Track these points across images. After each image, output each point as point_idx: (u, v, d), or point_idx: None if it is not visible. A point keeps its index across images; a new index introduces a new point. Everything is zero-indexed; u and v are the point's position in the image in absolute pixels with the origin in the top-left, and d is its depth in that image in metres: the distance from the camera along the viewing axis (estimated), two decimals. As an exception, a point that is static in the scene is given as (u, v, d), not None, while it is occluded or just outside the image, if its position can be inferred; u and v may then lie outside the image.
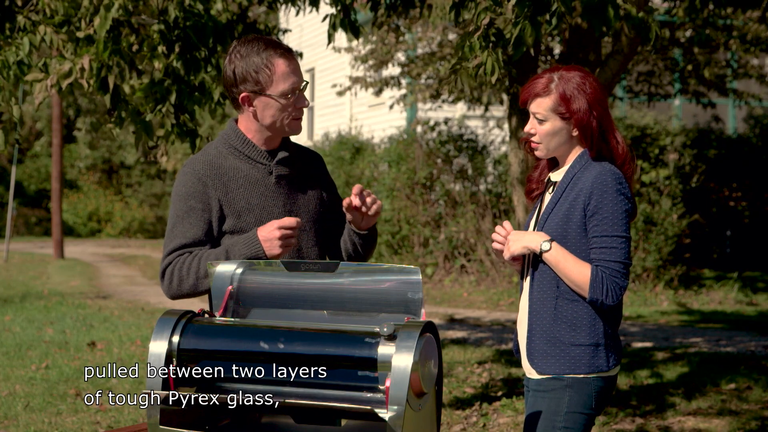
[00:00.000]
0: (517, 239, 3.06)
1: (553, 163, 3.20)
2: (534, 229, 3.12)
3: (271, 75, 3.04)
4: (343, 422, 2.57)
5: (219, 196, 3.04)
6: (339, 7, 5.08)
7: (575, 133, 3.08)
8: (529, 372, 3.11)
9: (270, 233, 2.94)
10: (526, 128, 3.15)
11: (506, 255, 3.09)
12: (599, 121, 3.06)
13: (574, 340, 3.01)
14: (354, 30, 5.12)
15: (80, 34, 4.72)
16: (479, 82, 3.97)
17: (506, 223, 3.13)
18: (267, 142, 3.13)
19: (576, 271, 2.98)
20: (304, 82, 3.11)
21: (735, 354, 7.98)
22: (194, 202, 3.03)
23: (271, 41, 3.09)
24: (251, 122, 3.11)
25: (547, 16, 3.94)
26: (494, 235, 3.13)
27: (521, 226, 3.28)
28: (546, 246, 3.00)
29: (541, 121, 3.09)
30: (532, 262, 3.08)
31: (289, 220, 2.95)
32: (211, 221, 3.04)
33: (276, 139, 3.15)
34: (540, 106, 3.08)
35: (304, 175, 3.20)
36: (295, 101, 3.08)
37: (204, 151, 3.14)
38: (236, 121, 3.17)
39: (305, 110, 3.20)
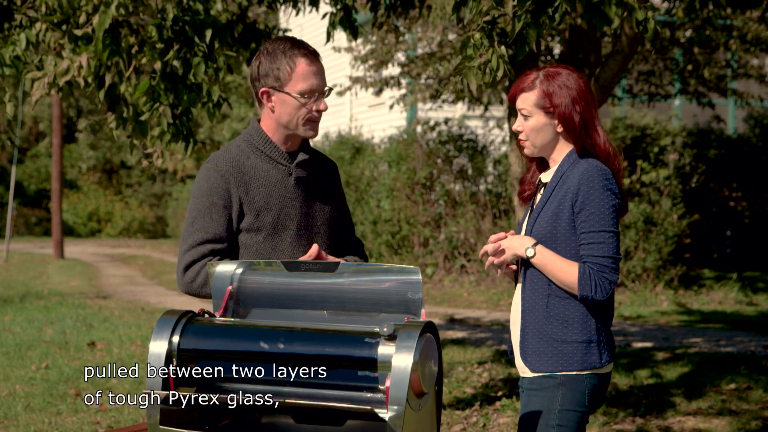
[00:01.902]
0: (506, 247, 3.08)
1: (544, 165, 3.22)
2: (525, 231, 3.14)
3: (291, 73, 3.09)
4: (345, 422, 2.57)
5: (240, 194, 3.09)
6: (339, 7, 5.07)
7: (560, 128, 3.10)
8: (523, 371, 3.13)
9: None
10: (514, 126, 3.19)
11: (495, 260, 3.11)
12: (582, 116, 3.08)
13: (566, 337, 3.02)
14: (353, 30, 5.11)
15: (78, 32, 4.71)
16: (486, 80, 3.97)
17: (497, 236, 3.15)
18: (286, 142, 3.18)
19: (563, 271, 2.99)
20: (327, 87, 3.15)
21: (735, 354, 7.98)
22: (216, 198, 3.08)
23: (298, 42, 3.14)
24: (270, 120, 3.16)
25: (550, 12, 3.93)
26: (489, 248, 3.13)
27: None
28: (530, 252, 3.03)
29: (526, 117, 3.13)
30: (523, 261, 3.10)
31: None
32: (231, 218, 3.09)
33: (295, 141, 3.19)
34: (525, 101, 3.12)
35: (321, 179, 3.25)
36: (314, 103, 3.12)
37: (227, 149, 3.20)
38: (259, 120, 3.22)
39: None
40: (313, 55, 3.12)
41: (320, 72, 3.13)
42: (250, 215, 3.09)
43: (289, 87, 3.10)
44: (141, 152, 5.16)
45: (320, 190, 3.23)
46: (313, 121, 3.15)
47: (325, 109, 3.17)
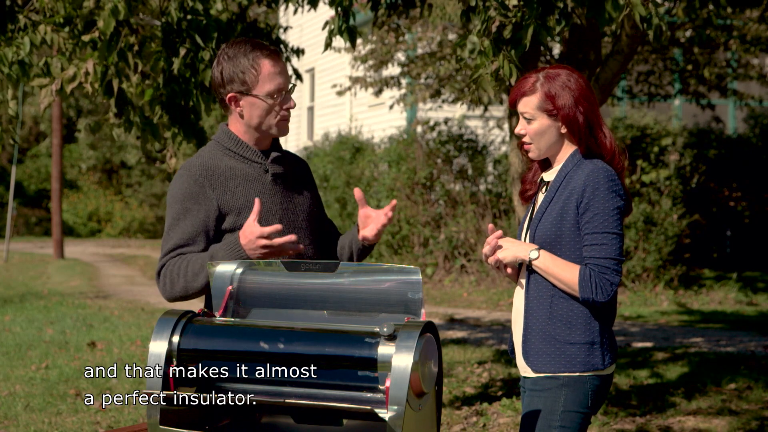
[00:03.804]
0: (507, 248, 3.07)
1: (546, 164, 3.22)
2: (527, 229, 3.14)
3: (257, 75, 3.09)
4: (343, 422, 2.57)
5: (217, 196, 3.05)
6: (339, 10, 5.06)
7: (563, 130, 3.09)
8: (525, 371, 3.12)
9: (251, 243, 2.94)
10: (516, 129, 3.18)
11: (492, 260, 3.09)
12: (586, 116, 3.07)
13: (569, 338, 3.01)
14: (352, 36, 5.12)
15: (85, 38, 4.72)
16: (499, 85, 3.98)
17: (498, 232, 3.15)
18: (258, 142, 3.17)
19: (565, 274, 2.99)
20: (291, 84, 3.16)
21: (735, 354, 7.98)
22: (190, 203, 3.04)
23: (257, 43, 3.13)
24: (239, 123, 3.15)
25: (557, 15, 3.94)
26: (486, 248, 3.12)
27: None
28: (534, 254, 3.02)
29: (529, 120, 3.11)
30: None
31: (269, 229, 2.93)
32: (208, 222, 3.04)
33: (266, 140, 3.19)
34: (527, 105, 3.10)
35: (296, 175, 3.26)
36: (282, 102, 3.12)
37: (198, 155, 3.17)
38: (227, 124, 3.20)
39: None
40: (275, 54, 3.12)
41: (284, 70, 3.13)
42: (232, 215, 3.06)
43: (256, 90, 3.09)
44: (141, 154, 5.19)
45: (298, 186, 3.23)
46: (284, 120, 3.15)
47: (294, 106, 3.18)
